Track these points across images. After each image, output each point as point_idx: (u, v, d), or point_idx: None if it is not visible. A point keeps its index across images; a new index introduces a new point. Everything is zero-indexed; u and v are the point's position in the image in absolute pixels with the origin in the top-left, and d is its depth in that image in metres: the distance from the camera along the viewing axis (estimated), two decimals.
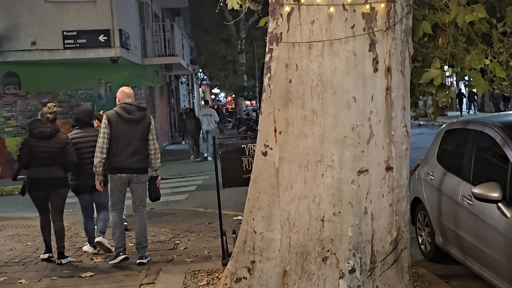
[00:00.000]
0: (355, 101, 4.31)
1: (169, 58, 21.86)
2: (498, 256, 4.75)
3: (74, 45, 16.14)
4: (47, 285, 6.14)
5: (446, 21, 4.86)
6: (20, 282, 6.26)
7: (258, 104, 34.77)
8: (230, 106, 52.08)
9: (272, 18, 4.50)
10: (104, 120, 6.68)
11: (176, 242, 7.82)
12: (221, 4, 5.50)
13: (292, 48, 4.37)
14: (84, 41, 16.17)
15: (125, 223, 7.70)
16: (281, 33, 4.42)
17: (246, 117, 33.93)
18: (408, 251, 4.75)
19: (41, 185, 6.86)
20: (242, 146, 6.34)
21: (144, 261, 6.74)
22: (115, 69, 18.17)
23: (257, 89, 34.68)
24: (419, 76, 5.29)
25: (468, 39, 5.62)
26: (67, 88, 18.09)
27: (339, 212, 4.37)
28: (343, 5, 4.25)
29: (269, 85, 4.52)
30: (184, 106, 34.20)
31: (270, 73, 4.50)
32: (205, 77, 46.88)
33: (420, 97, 6.21)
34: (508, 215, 4.61)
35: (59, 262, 6.88)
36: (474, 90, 32.18)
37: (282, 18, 4.40)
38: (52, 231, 7.08)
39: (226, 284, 4.75)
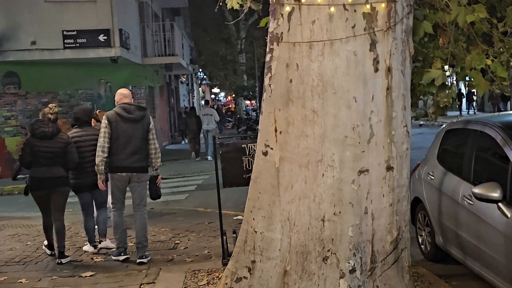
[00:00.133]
0: (355, 101, 4.31)
1: (169, 57, 21.85)
2: (498, 256, 4.75)
3: (74, 45, 16.14)
4: (47, 285, 6.14)
5: (447, 21, 4.86)
6: (20, 282, 6.26)
7: (258, 104, 34.80)
8: (230, 106, 52.02)
9: (273, 18, 4.50)
10: (104, 120, 6.72)
11: (176, 241, 7.83)
12: (221, 4, 5.50)
13: (293, 48, 4.37)
14: (84, 40, 16.17)
15: None
16: (282, 33, 4.42)
17: (246, 117, 33.97)
18: (409, 251, 4.75)
19: (43, 184, 6.90)
20: (243, 146, 6.34)
21: (144, 260, 6.76)
22: (115, 68, 18.15)
23: (257, 88, 34.70)
24: (419, 76, 5.29)
25: (468, 39, 5.61)
26: (67, 87, 18.08)
27: (340, 212, 4.37)
28: (344, 5, 4.25)
29: (270, 85, 4.52)
30: (184, 105, 34.19)
31: (271, 73, 4.50)
32: (205, 76, 46.88)
33: (421, 97, 6.21)
34: (508, 215, 4.61)
35: (59, 261, 6.89)
36: (473, 90, 32.28)
37: (282, 18, 4.40)
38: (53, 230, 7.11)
39: (226, 283, 4.76)
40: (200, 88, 50.27)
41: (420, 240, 6.77)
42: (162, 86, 26.58)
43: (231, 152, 6.35)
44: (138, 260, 6.77)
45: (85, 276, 6.36)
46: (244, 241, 4.69)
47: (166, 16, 27.38)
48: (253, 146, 6.14)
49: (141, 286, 5.93)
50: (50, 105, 7.25)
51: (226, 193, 7.33)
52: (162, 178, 8.01)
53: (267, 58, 4.56)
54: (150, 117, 7.05)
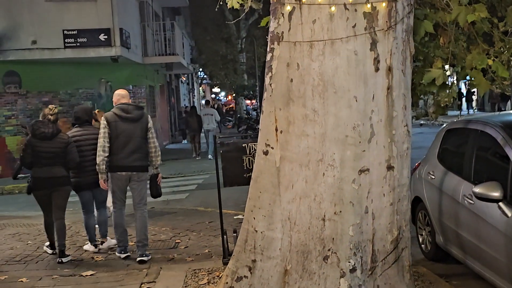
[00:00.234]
0: (356, 100, 4.32)
1: (170, 57, 21.85)
2: (498, 255, 4.75)
3: (75, 44, 16.15)
4: (48, 284, 6.15)
5: (447, 21, 4.86)
6: (21, 281, 6.26)
7: (258, 103, 34.79)
8: (232, 105, 51.97)
9: (274, 17, 4.50)
10: (103, 121, 6.78)
11: (176, 241, 7.83)
12: (221, 3, 5.51)
13: (294, 47, 4.37)
14: (85, 40, 16.18)
15: None
16: (283, 32, 4.42)
17: (246, 116, 33.97)
18: (409, 250, 4.75)
19: (44, 184, 6.96)
20: (243, 145, 6.34)
21: (145, 258, 6.78)
22: (116, 68, 18.16)
23: (257, 88, 34.66)
24: (420, 75, 5.29)
25: (468, 39, 5.62)
26: (67, 87, 18.09)
27: (340, 211, 4.38)
28: (345, 5, 4.25)
29: (270, 84, 4.52)
30: (184, 105, 34.21)
31: (272, 72, 4.51)
32: (205, 76, 46.87)
33: (421, 96, 6.21)
34: (509, 214, 4.61)
35: (60, 260, 6.91)
36: (473, 90, 32.24)
37: (283, 17, 4.40)
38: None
39: (227, 283, 4.76)
40: (200, 88, 50.26)
41: (420, 239, 6.78)
42: (163, 85, 26.59)
43: (231, 152, 6.36)
44: (139, 258, 6.78)
45: (86, 275, 6.37)
46: (245, 240, 4.70)
47: (166, 16, 27.39)
48: (253, 145, 6.14)
49: (142, 285, 5.94)
50: (50, 106, 7.32)
51: (227, 192, 7.33)
52: (163, 177, 8.04)
53: (268, 57, 4.56)
54: (149, 116, 7.10)
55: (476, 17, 4.52)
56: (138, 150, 6.81)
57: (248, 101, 46.92)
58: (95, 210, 7.61)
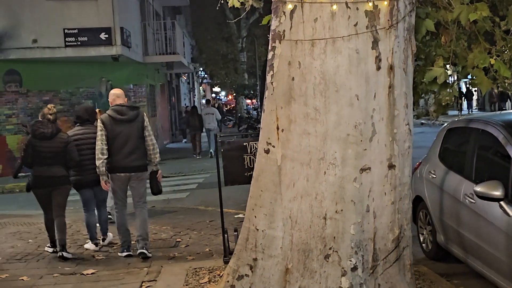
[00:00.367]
0: (357, 99, 4.31)
1: (170, 56, 21.85)
2: (500, 254, 4.75)
3: (75, 43, 16.14)
4: (49, 282, 6.15)
5: (449, 20, 4.85)
6: (22, 279, 6.27)
7: (258, 103, 34.79)
8: (232, 106, 51.95)
9: (275, 15, 4.50)
10: (99, 123, 6.86)
11: (177, 239, 7.84)
12: (222, 2, 5.50)
13: (295, 46, 4.36)
14: (85, 39, 16.17)
15: (109, 216, 7.88)
16: (284, 30, 4.41)
17: (246, 116, 33.97)
18: (410, 249, 4.75)
19: (44, 182, 7.04)
20: (244, 144, 6.34)
21: (145, 251, 6.85)
22: (116, 67, 18.16)
23: (257, 87, 34.67)
24: (421, 74, 5.29)
25: (469, 38, 5.61)
26: (68, 86, 18.08)
27: (341, 210, 4.37)
28: (346, 3, 4.24)
29: (272, 82, 4.51)
30: (185, 104, 34.21)
31: (273, 71, 4.50)
32: (206, 75, 46.85)
33: (422, 95, 6.21)
34: (510, 213, 4.61)
35: (61, 254, 6.96)
36: (473, 89, 32.17)
37: (285, 15, 4.40)
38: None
39: (228, 281, 4.76)
40: (201, 87, 50.25)
41: (421, 238, 6.77)
42: (163, 84, 26.59)
43: (232, 150, 6.36)
44: (139, 251, 6.86)
45: (87, 274, 6.38)
46: (246, 238, 4.69)
47: (167, 15, 27.38)
48: (254, 144, 6.15)
49: (143, 284, 5.94)
50: (49, 106, 7.38)
51: (228, 191, 7.33)
52: (163, 176, 8.05)
53: (269, 56, 4.56)
54: (144, 114, 7.16)
55: (478, 16, 4.52)
56: (136, 150, 6.87)
57: (248, 101, 46.91)
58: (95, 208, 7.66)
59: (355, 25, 4.26)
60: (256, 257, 4.61)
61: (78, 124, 7.59)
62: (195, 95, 43.45)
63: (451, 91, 5.22)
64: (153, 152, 6.93)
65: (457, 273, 5.95)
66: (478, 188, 4.87)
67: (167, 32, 22.16)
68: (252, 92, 39.48)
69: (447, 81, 5.01)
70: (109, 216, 8.04)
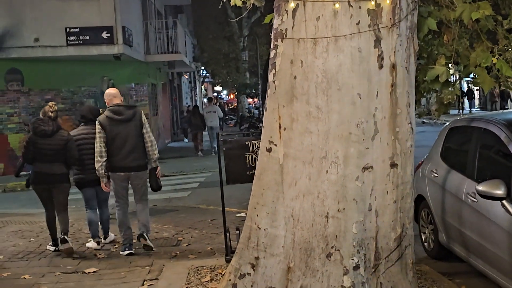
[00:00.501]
0: (360, 97, 4.30)
1: (172, 55, 21.87)
2: (502, 253, 4.74)
3: (77, 42, 16.16)
4: (50, 281, 6.16)
5: (451, 18, 4.84)
6: (24, 278, 6.27)
7: (260, 102, 34.78)
8: (234, 105, 51.93)
9: (277, 14, 4.49)
10: (97, 125, 6.92)
11: (179, 238, 7.84)
12: (224, 1, 5.50)
13: (297, 44, 4.36)
14: (87, 38, 16.19)
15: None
16: (286, 29, 4.41)
17: (248, 115, 33.97)
18: (412, 248, 4.74)
19: (44, 179, 7.18)
20: (246, 142, 6.34)
21: (144, 235, 6.97)
22: (118, 66, 18.17)
23: (259, 86, 34.65)
24: (423, 73, 5.28)
25: (470, 37, 5.60)
26: (69, 85, 18.10)
27: (344, 209, 4.37)
28: (348, 2, 4.24)
29: (274, 81, 4.51)
30: (186, 103, 34.22)
31: (275, 70, 4.50)
32: (207, 74, 46.86)
33: (424, 94, 6.20)
34: None
35: (63, 237, 7.09)
36: (474, 88, 32.15)
37: (287, 14, 4.39)
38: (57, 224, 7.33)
39: (230, 280, 4.75)
40: (202, 86, 50.25)
41: (423, 237, 6.77)
42: (165, 83, 26.60)
43: (234, 149, 6.35)
44: (139, 233, 7.02)
45: (89, 272, 6.38)
46: (248, 237, 4.69)
47: (169, 14, 27.40)
48: (256, 143, 6.15)
49: (145, 282, 5.94)
50: (50, 104, 7.47)
51: (229, 190, 7.32)
52: (165, 175, 8.07)
53: (271, 54, 4.56)
54: (142, 111, 7.22)
55: (480, 15, 4.51)
56: (135, 150, 6.93)
57: (250, 100, 46.92)
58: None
59: (357, 24, 4.26)
60: (258, 256, 4.61)
61: (82, 123, 7.67)
62: (196, 94, 43.48)
63: (452, 89, 5.22)
64: (152, 149, 6.98)
65: (459, 272, 5.95)
66: (480, 187, 4.87)
67: (169, 31, 22.17)
68: (253, 91, 39.48)
69: (449, 79, 5.00)
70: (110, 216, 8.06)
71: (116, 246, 7.45)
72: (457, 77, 6.00)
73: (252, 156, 6.22)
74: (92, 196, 7.53)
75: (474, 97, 36.13)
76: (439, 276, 5.67)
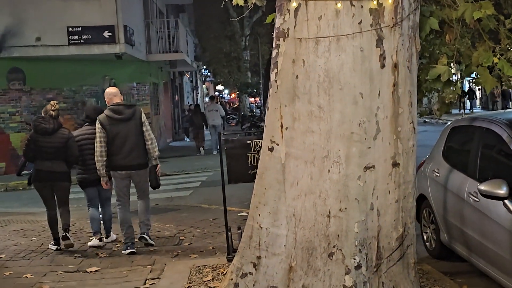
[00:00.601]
0: (362, 97, 4.31)
1: (174, 54, 21.88)
2: (503, 253, 4.74)
3: (79, 41, 16.17)
4: (52, 280, 6.16)
5: (453, 18, 4.84)
6: (26, 277, 6.28)
7: (262, 101, 34.79)
8: (236, 105, 51.92)
9: (279, 13, 4.49)
10: (97, 125, 6.97)
11: (181, 237, 7.84)
12: (226, 1, 5.51)
13: (299, 44, 4.36)
14: (89, 37, 16.20)
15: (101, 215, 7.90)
16: (288, 28, 4.41)
17: (250, 114, 33.97)
18: (414, 248, 4.74)
19: (44, 176, 7.27)
20: (248, 142, 6.34)
21: (145, 236, 7.12)
22: (120, 65, 18.18)
23: (261, 86, 34.66)
24: (425, 72, 5.28)
25: (472, 37, 5.60)
26: (71, 84, 18.12)
27: (345, 208, 4.37)
28: (351, 1, 4.24)
29: (276, 80, 4.51)
30: (188, 102, 34.22)
31: (277, 69, 4.50)
32: (209, 73, 46.85)
33: (426, 93, 6.20)
34: None
35: (64, 234, 7.22)
36: (476, 87, 32.13)
37: (289, 13, 4.39)
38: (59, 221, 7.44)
39: (232, 279, 4.76)
40: (204, 85, 50.25)
41: (425, 237, 6.76)
42: (166, 82, 26.61)
43: (236, 149, 6.36)
44: (140, 235, 7.16)
45: (90, 271, 6.38)
46: (250, 236, 4.69)
47: (170, 13, 27.40)
48: (258, 142, 6.15)
49: (146, 282, 5.94)
50: (52, 102, 7.57)
51: (231, 189, 7.33)
52: (166, 175, 8.08)
53: (273, 54, 4.56)
54: (141, 110, 7.28)
55: (482, 14, 4.50)
56: (136, 148, 6.99)
57: (251, 99, 46.93)
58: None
59: (359, 23, 4.26)
60: (260, 255, 4.61)
61: (87, 123, 7.71)
62: (198, 93, 43.47)
63: (454, 89, 5.21)
64: (152, 147, 7.03)
65: (460, 271, 5.94)
66: (482, 187, 4.86)
67: (171, 30, 22.17)
68: (255, 91, 39.50)
69: (451, 79, 5.00)
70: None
71: (118, 245, 7.46)
72: (459, 76, 5.99)
73: (253, 156, 6.22)
74: (94, 196, 7.60)
75: (474, 97, 36.08)
76: (440, 275, 5.66)
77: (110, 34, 16.20)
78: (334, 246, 4.40)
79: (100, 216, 7.62)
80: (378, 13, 4.27)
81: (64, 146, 7.26)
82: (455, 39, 5.07)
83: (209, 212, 9.68)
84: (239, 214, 8.98)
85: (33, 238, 8.18)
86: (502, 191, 4.68)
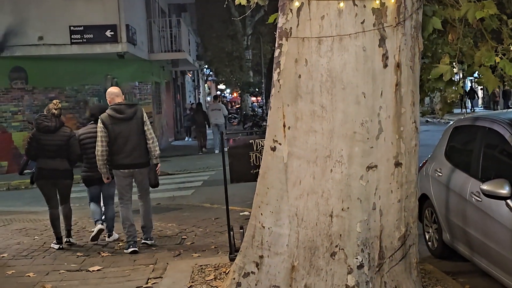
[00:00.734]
0: (364, 96, 4.31)
1: (176, 53, 21.88)
2: (506, 252, 4.74)
3: (81, 40, 16.17)
4: (55, 279, 6.17)
5: (456, 17, 4.84)
6: (28, 276, 6.29)
7: (264, 101, 34.79)
8: (238, 105, 51.91)
9: (282, 13, 4.50)
10: (99, 124, 7.00)
11: (183, 237, 7.85)
12: (228, 0, 5.51)
13: (302, 43, 4.36)
14: (91, 36, 16.19)
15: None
16: (291, 28, 4.41)
17: (252, 113, 33.96)
18: (417, 247, 4.74)
19: (47, 174, 7.34)
20: (250, 141, 6.34)
21: (148, 242, 7.19)
22: (122, 64, 18.18)
23: (263, 85, 34.64)
24: (428, 72, 5.28)
25: (474, 36, 5.59)
26: (73, 83, 18.12)
27: (348, 208, 4.37)
28: (353, 1, 4.24)
29: (278, 80, 4.51)
30: (190, 101, 34.22)
31: (280, 68, 4.50)
32: (211, 73, 46.84)
33: (429, 93, 6.19)
34: None
35: (67, 240, 7.35)
36: (478, 87, 32.07)
37: (291, 13, 4.40)
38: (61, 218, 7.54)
39: (234, 278, 4.76)
40: (206, 84, 50.25)
41: (427, 237, 6.76)
42: (168, 82, 26.61)
43: (238, 148, 6.37)
44: (143, 241, 7.19)
45: (93, 270, 6.39)
46: (252, 236, 4.70)
47: (172, 12, 27.40)
48: (260, 141, 6.15)
49: (149, 281, 5.95)
50: (54, 101, 7.67)
51: (233, 189, 7.34)
52: (168, 174, 8.09)
53: (276, 53, 4.56)
54: (142, 109, 7.32)
55: (485, 14, 4.50)
56: (138, 148, 7.02)
57: (253, 98, 46.91)
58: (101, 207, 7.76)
59: (362, 23, 4.26)
60: (262, 255, 4.62)
61: (92, 122, 7.75)
62: (200, 92, 43.46)
63: (456, 88, 5.21)
64: (153, 145, 7.06)
65: (463, 271, 5.94)
66: (485, 187, 4.86)
67: (173, 30, 22.18)
68: (257, 90, 39.47)
69: (453, 78, 4.99)
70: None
71: (120, 244, 7.47)
72: (461, 76, 5.99)
73: (256, 155, 6.22)
74: (97, 194, 7.69)
75: (476, 97, 36.02)
76: (443, 275, 5.67)
77: (112, 33, 16.20)
78: (336, 246, 4.40)
79: (103, 209, 7.66)
80: (381, 12, 4.27)
81: (66, 144, 7.34)
82: (457, 38, 5.06)
83: (211, 212, 9.69)
84: (241, 214, 8.98)
85: (36, 237, 8.19)
86: (505, 190, 4.68)
